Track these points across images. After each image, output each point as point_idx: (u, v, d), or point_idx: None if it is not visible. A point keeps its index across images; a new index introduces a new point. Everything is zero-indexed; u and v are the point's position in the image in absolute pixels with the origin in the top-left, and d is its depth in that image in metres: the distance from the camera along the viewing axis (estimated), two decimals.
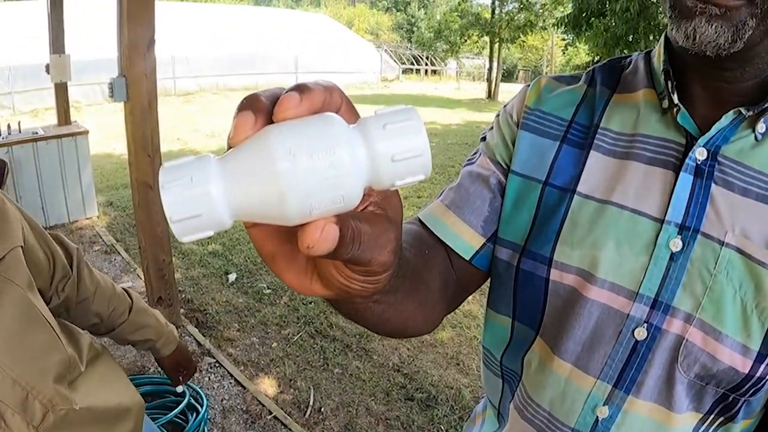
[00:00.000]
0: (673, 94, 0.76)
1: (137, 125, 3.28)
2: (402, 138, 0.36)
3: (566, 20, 12.65)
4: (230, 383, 3.26)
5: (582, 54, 25.30)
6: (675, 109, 0.76)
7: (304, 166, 0.33)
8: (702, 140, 0.74)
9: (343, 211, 0.36)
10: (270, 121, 0.35)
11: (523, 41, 26.43)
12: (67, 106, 6.05)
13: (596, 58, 12.54)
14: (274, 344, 3.75)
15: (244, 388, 3.23)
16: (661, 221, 0.75)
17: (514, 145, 0.87)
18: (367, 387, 3.33)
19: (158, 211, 3.46)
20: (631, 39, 11.08)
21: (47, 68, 5.58)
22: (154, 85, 3.28)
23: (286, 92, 0.35)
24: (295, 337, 3.83)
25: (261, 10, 34.57)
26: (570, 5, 14.18)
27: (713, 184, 0.73)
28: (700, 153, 0.74)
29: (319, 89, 0.36)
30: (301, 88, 0.35)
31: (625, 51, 11.34)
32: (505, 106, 0.93)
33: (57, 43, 5.60)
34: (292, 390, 3.29)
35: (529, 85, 0.91)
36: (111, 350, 3.32)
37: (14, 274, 1.05)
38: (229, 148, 0.36)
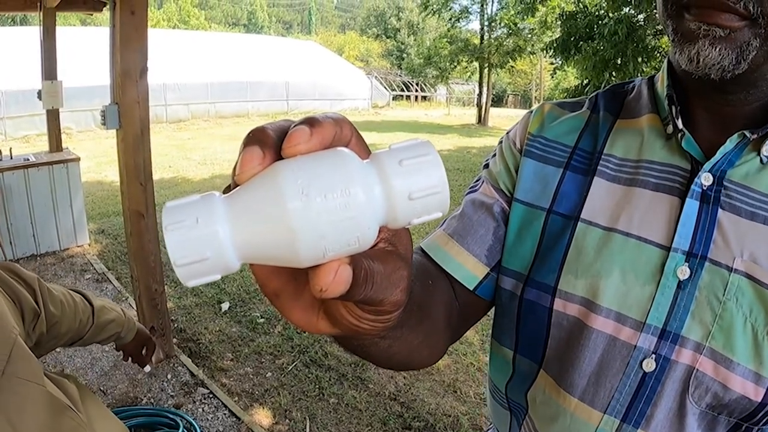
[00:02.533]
0: (678, 119, 0.75)
1: (129, 153, 3.27)
2: (419, 174, 0.34)
3: (555, 44, 12.77)
4: (224, 414, 3.21)
5: (570, 78, 25.50)
6: (679, 135, 0.75)
7: (317, 206, 0.32)
8: (707, 165, 0.73)
9: (357, 252, 0.34)
10: (279, 156, 0.34)
11: (512, 66, 26.65)
12: (58, 132, 6.04)
13: (585, 82, 12.64)
14: (269, 374, 3.70)
15: (239, 419, 3.17)
16: (668, 248, 0.73)
17: (517, 172, 0.86)
18: (363, 417, 3.28)
19: (151, 240, 3.43)
20: (619, 62, 11.17)
21: (39, 94, 5.57)
22: (146, 113, 3.27)
23: (295, 126, 0.34)
24: (290, 367, 3.78)
25: (252, 37, 34.76)
26: (558, 30, 14.31)
27: (720, 210, 0.72)
28: (705, 178, 0.73)
29: (329, 122, 0.34)
30: (311, 122, 0.34)
31: (614, 74, 11.43)
32: (508, 132, 0.92)
33: (49, 69, 5.60)
34: (287, 421, 3.24)
35: (532, 112, 0.90)
36: (102, 381, 3.28)
37: (26, 372, 1.00)
38: (235, 185, 0.34)
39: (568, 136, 0.85)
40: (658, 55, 11.19)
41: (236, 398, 3.40)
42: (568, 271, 0.78)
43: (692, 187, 0.73)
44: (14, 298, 1.19)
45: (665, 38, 11.83)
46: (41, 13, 5.46)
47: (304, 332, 4.15)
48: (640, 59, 11.03)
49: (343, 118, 0.36)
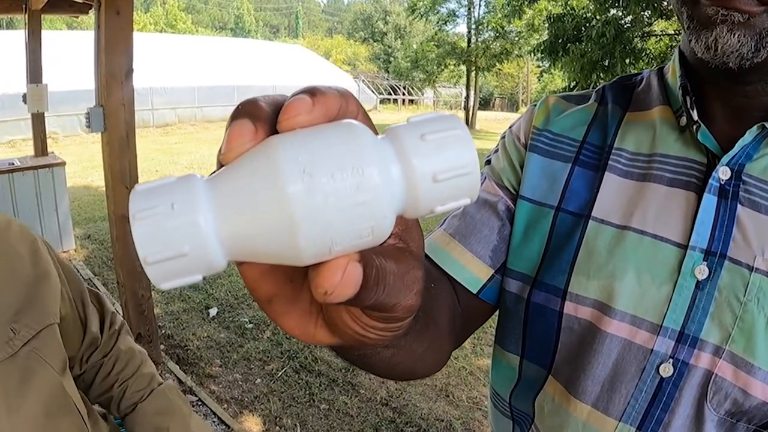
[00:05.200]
0: (693, 110, 0.71)
1: (115, 156, 3.21)
2: (446, 152, 0.29)
3: (543, 47, 12.80)
4: (213, 422, 3.15)
5: (557, 80, 25.62)
6: (695, 127, 0.71)
7: (323, 188, 0.26)
8: (725, 158, 0.69)
9: (368, 247, 0.28)
10: (273, 131, 0.28)
11: (499, 69, 26.76)
12: (44, 136, 5.96)
13: (572, 84, 12.67)
14: (258, 380, 3.64)
15: (228, 426, 3.12)
16: (685, 247, 0.69)
17: (522, 168, 0.81)
18: (355, 423, 3.23)
19: None
20: (607, 64, 11.21)
21: (24, 98, 5.49)
22: (132, 116, 3.21)
23: (294, 96, 0.28)
24: (279, 373, 3.73)
25: (239, 41, 34.66)
26: (545, 32, 14.35)
27: (739, 205, 0.68)
28: (723, 172, 0.69)
29: (333, 93, 0.29)
30: (312, 91, 0.28)
31: (602, 76, 11.46)
32: (510, 127, 0.88)
33: (34, 73, 5.52)
34: (277, 428, 3.18)
35: (535, 105, 0.86)
36: None
37: (48, 353, 0.93)
38: (221, 166, 0.28)
39: (575, 130, 0.81)
40: (646, 57, 11.25)
41: (225, 405, 3.34)
42: (579, 273, 0.74)
43: (710, 181, 0.69)
44: (82, 316, 1.11)
45: (652, 40, 11.94)
46: (26, 16, 5.39)
47: (294, 337, 4.10)
48: (627, 61, 11.09)
49: (348, 91, 0.30)
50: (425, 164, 0.28)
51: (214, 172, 0.29)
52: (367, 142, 0.27)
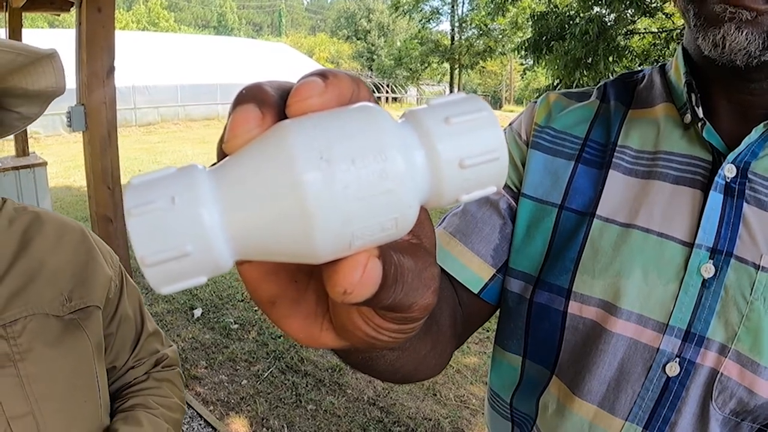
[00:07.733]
0: (698, 107, 0.70)
1: (96, 156, 3.16)
2: (472, 135, 0.26)
3: (527, 44, 12.83)
4: (200, 424, 3.12)
5: (540, 78, 25.77)
6: (699, 124, 0.70)
7: (343, 176, 0.23)
8: (731, 156, 0.68)
9: (390, 241, 0.26)
10: (282, 117, 0.25)
11: (483, 67, 26.89)
12: (25, 136, 5.91)
13: (555, 82, 12.72)
14: (244, 381, 3.61)
15: (215, 429, 3.08)
16: (691, 245, 0.68)
17: (524, 166, 0.80)
18: (342, 423, 3.21)
19: (120, 246, 3.33)
20: (590, 61, 11.27)
21: None
22: (113, 114, 3.17)
23: (304, 78, 0.25)
24: (266, 374, 3.70)
25: (222, 39, 34.58)
26: (529, 30, 14.39)
27: (745, 203, 0.68)
28: (729, 170, 0.69)
29: (345, 76, 0.26)
30: (323, 73, 0.26)
31: (585, 73, 11.52)
32: (510, 124, 0.86)
33: None
34: (264, 429, 3.16)
35: (536, 102, 0.85)
36: None
37: (89, 326, 0.99)
38: (223, 156, 0.26)
39: (577, 127, 0.80)
40: (629, 54, 11.32)
41: (211, 407, 3.31)
42: (583, 272, 0.73)
43: (715, 179, 0.69)
44: (135, 341, 1.16)
45: (636, 38, 12.02)
46: (7, 14, 5.33)
47: (279, 337, 4.08)
48: (611, 59, 11.14)
49: (359, 78, 0.28)
50: (451, 149, 0.26)
51: (215, 164, 0.26)
52: (388, 126, 0.25)
